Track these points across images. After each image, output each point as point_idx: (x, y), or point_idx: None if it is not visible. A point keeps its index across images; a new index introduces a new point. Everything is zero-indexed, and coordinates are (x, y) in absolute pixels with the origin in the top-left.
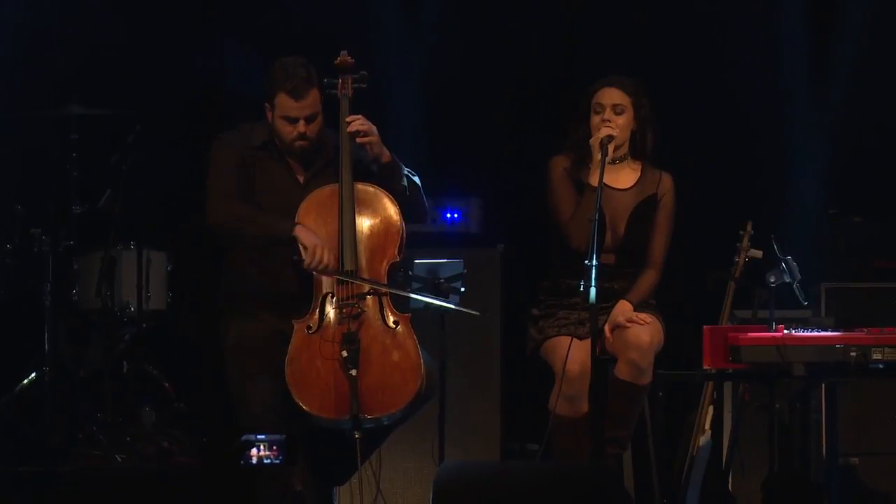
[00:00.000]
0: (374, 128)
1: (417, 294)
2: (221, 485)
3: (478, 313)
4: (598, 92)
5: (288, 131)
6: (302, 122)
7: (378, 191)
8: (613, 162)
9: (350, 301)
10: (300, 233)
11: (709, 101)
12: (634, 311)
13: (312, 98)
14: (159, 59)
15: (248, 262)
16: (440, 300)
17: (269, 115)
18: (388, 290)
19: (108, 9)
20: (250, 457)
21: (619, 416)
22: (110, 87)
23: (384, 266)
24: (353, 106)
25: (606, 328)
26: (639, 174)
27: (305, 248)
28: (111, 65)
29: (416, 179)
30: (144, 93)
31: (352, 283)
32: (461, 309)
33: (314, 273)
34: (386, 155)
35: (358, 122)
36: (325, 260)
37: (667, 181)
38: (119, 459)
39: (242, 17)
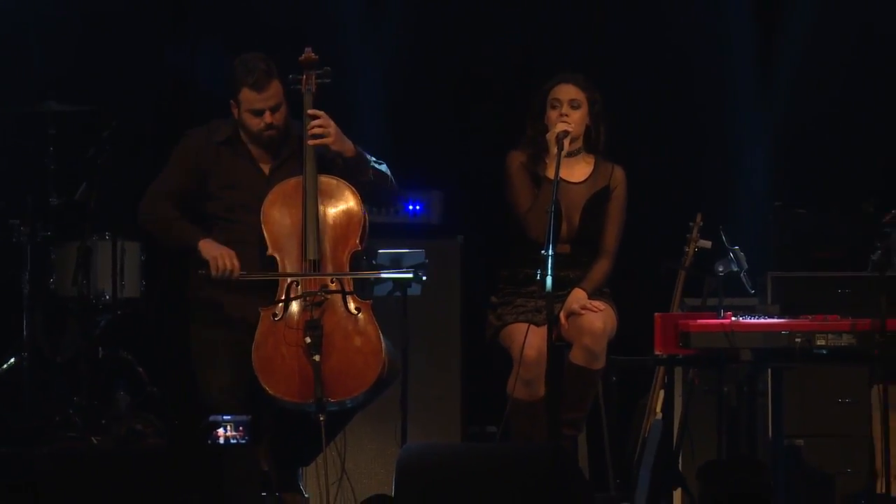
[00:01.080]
0: (331, 129)
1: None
2: (190, 464)
3: (410, 275)
4: (554, 88)
5: (255, 123)
6: (267, 113)
7: (340, 182)
8: (569, 156)
9: (313, 290)
10: (202, 247)
11: (660, 97)
12: (588, 298)
13: (274, 89)
14: (133, 57)
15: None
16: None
17: (235, 111)
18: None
19: (83, 9)
20: (217, 437)
21: (574, 399)
22: (86, 85)
23: (346, 254)
24: (317, 100)
25: (562, 315)
26: (592, 168)
27: (208, 259)
28: (87, 63)
29: (384, 167)
30: (119, 90)
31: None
32: (391, 275)
33: (227, 279)
34: (349, 149)
35: (316, 125)
36: (229, 266)
37: (619, 174)
38: (94, 441)
39: (213, 15)
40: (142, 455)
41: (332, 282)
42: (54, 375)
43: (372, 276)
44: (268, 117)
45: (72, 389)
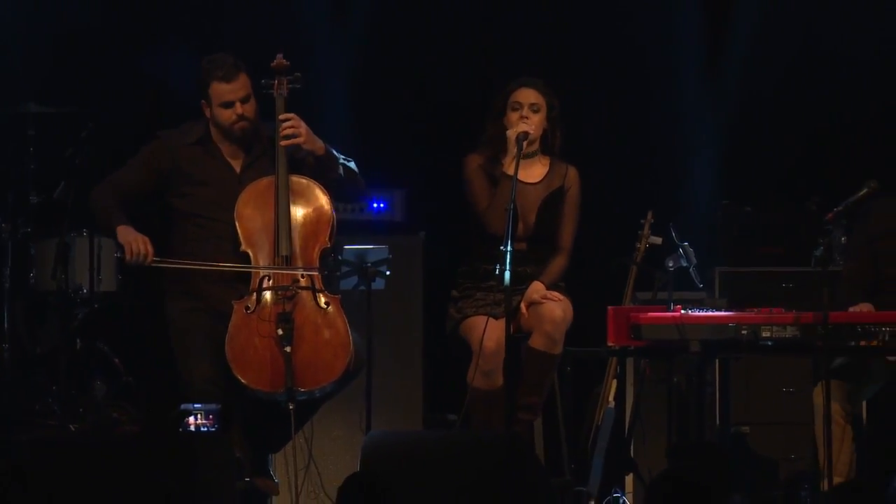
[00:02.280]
0: (302, 129)
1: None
2: (164, 451)
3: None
4: (515, 91)
5: (227, 116)
6: (238, 104)
7: (311, 182)
8: (525, 157)
9: (285, 284)
10: (119, 232)
11: (612, 100)
12: (547, 289)
13: (243, 81)
14: (110, 61)
15: (190, 250)
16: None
17: (207, 110)
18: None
19: (62, 15)
20: (188, 424)
21: (532, 384)
22: (65, 88)
23: (316, 251)
24: (289, 104)
25: (523, 305)
26: (547, 168)
27: (122, 246)
28: (66, 66)
29: (352, 164)
30: (96, 93)
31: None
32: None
33: (140, 264)
34: (319, 148)
35: (288, 126)
36: (143, 251)
37: (573, 174)
38: (72, 428)
39: (186, 22)
40: (118, 442)
41: (303, 277)
42: (34, 366)
43: (303, 272)
44: (238, 108)
45: (51, 379)
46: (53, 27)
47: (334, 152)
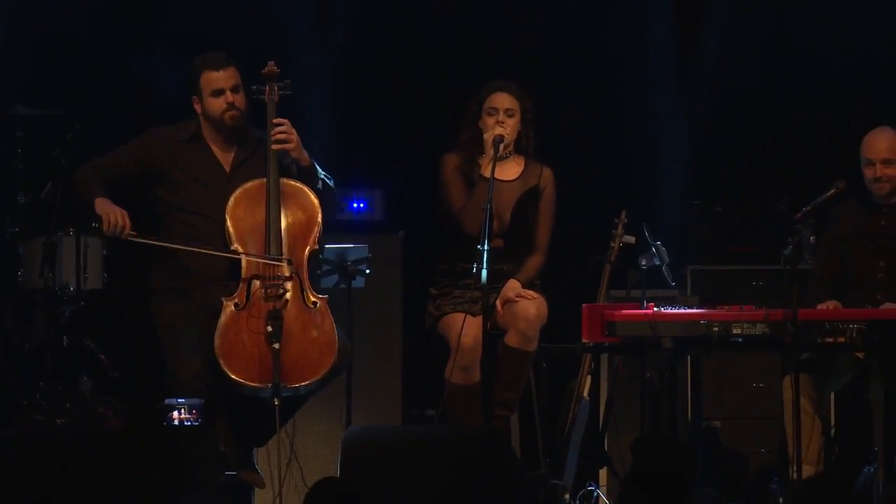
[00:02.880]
0: (294, 136)
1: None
2: (150, 445)
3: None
4: (490, 96)
5: (218, 105)
6: (229, 93)
7: (301, 185)
8: (501, 158)
9: (274, 282)
10: (97, 203)
11: (587, 103)
12: (522, 288)
13: (233, 72)
14: (97, 64)
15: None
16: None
17: (198, 105)
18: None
19: (51, 18)
20: (172, 419)
21: (508, 381)
22: (52, 90)
23: (306, 253)
24: (278, 110)
25: (498, 303)
26: (522, 168)
27: (101, 216)
28: (53, 69)
29: (331, 183)
30: (83, 95)
31: (274, 265)
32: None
33: (117, 236)
34: (305, 159)
35: (279, 131)
36: (121, 223)
37: (547, 174)
38: (59, 423)
39: (173, 26)
40: (104, 436)
41: (291, 277)
42: (22, 362)
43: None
44: (229, 96)
45: (38, 375)
46: (40, 30)
47: (317, 166)
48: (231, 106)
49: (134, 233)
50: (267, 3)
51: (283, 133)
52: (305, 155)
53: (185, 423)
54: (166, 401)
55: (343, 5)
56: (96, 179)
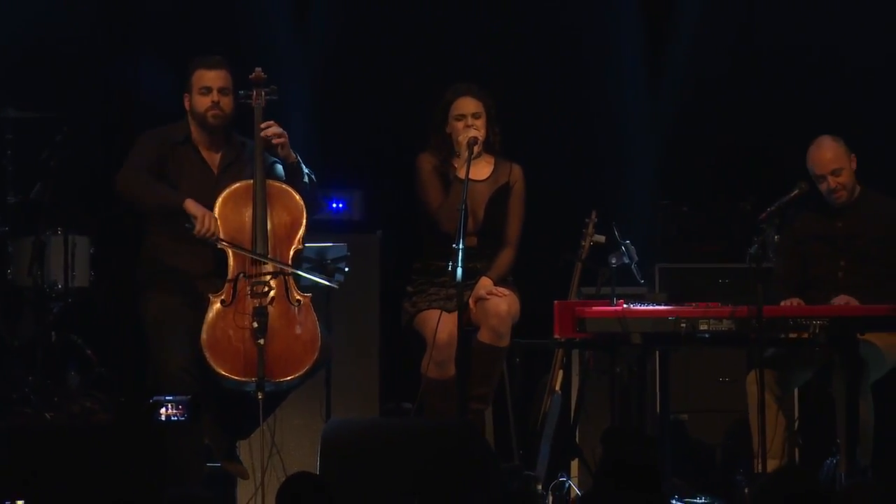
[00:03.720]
0: (285, 133)
1: (307, 273)
2: (136, 438)
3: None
4: (455, 102)
5: (204, 102)
6: (215, 92)
7: (287, 187)
8: (475, 157)
9: (260, 279)
10: (189, 205)
11: (557, 105)
12: (494, 285)
13: (225, 74)
14: (84, 70)
15: (167, 244)
16: (322, 279)
17: (187, 102)
18: (281, 266)
19: (39, 26)
20: (160, 415)
21: (482, 375)
22: (41, 95)
23: (291, 252)
24: (265, 114)
25: (471, 301)
26: (493, 167)
27: (195, 217)
28: (42, 74)
29: (313, 178)
30: (71, 99)
31: (262, 263)
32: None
33: (214, 245)
34: (292, 156)
35: (273, 128)
36: (213, 228)
37: (517, 171)
38: (48, 417)
39: (155, 34)
40: (91, 430)
41: (277, 275)
42: (11, 357)
43: (306, 275)
44: (216, 95)
45: (27, 370)
46: (29, 37)
47: (302, 165)
48: (215, 105)
49: (223, 239)
50: (248, 6)
51: (276, 129)
52: (292, 153)
53: (172, 419)
54: (154, 398)
55: (324, 8)
56: (154, 181)
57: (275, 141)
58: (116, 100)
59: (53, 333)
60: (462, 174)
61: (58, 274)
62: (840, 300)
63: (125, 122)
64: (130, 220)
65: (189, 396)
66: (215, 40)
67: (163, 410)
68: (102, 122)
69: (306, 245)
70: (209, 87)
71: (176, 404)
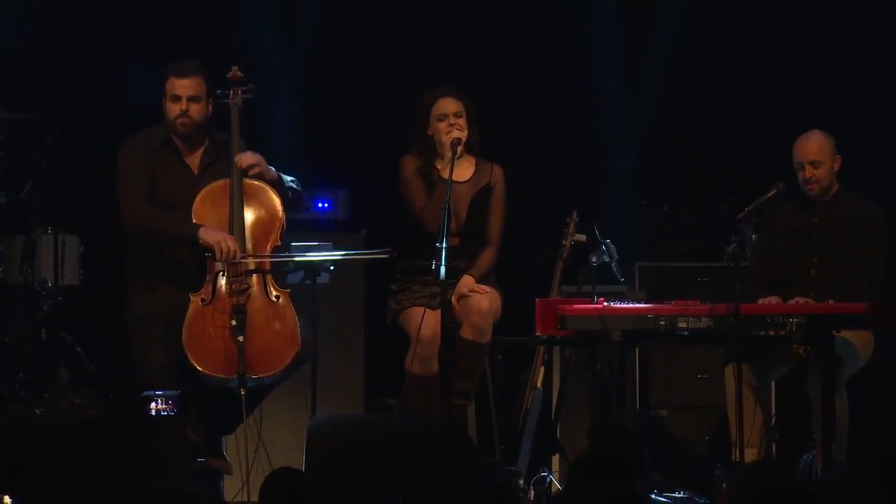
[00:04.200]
0: (260, 158)
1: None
2: (124, 433)
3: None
4: (436, 104)
5: (173, 110)
6: (185, 101)
7: (263, 185)
8: (459, 157)
9: (239, 277)
10: (204, 234)
11: (540, 109)
12: (476, 283)
13: (196, 82)
14: (74, 72)
15: (150, 245)
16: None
17: (165, 107)
18: (287, 260)
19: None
20: (150, 409)
21: (464, 371)
22: (31, 96)
23: (268, 249)
24: (242, 112)
25: (453, 298)
26: (474, 167)
27: (211, 245)
28: (33, 76)
29: (296, 186)
30: (61, 101)
31: (240, 262)
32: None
33: (229, 261)
34: (271, 175)
35: (247, 159)
36: (233, 249)
37: (497, 172)
38: (38, 412)
39: (144, 36)
40: (80, 425)
41: (255, 273)
42: (2, 354)
43: (324, 257)
44: (184, 104)
45: (18, 366)
46: (18, 39)
47: (283, 179)
48: (183, 113)
49: (243, 254)
50: (234, 8)
51: (250, 159)
52: (272, 172)
53: (162, 414)
54: (145, 393)
55: (309, 9)
56: (161, 213)
57: (251, 172)
58: (106, 101)
59: (43, 331)
60: (445, 174)
61: (48, 272)
62: (797, 300)
63: (114, 123)
64: (119, 219)
65: (179, 392)
66: (202, 41)
67: (153, 405)
68: (92, 123)
69: (292, 244)
70: (178, 96)
71: (166, 399)
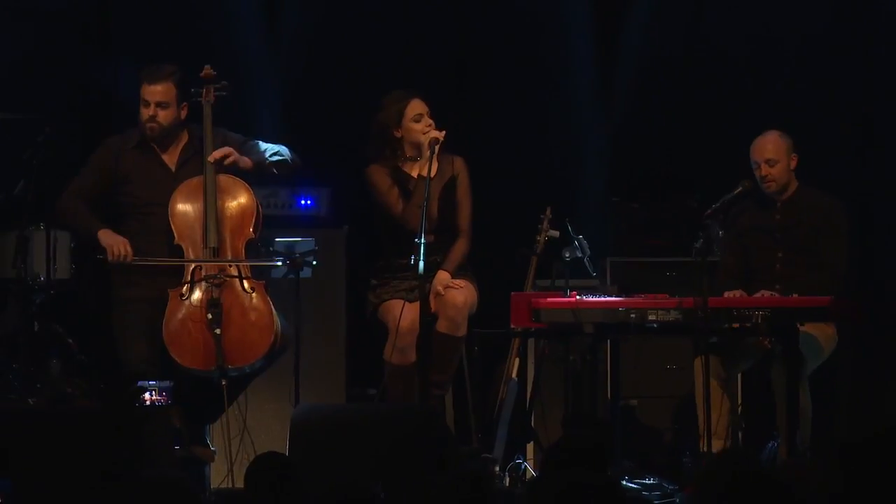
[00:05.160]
0: (231, 150)
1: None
2: (116, 423)
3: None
4: (409, 105)
5: (143, 114)
6: (153, 106)
7: (236, 180)
8: (419, 158)
9: (214, 272)
10: (101, 236)
11: (517, 110)
12: (451, 276)
13: (165, 88)
14: (65, 74)
15: (133, 242)
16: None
17: (139, 109)
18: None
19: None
20: (143, 400)
21: (441, 363)
22: (24, 97)
23: (242, 242)
24: (215, 109)
25: (430, 297)
26: (438, 163)
27: (105, 247)
28: (26, 78)
29: (283, 151)
30: (52, 102)
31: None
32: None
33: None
34: (247, 163)
35: (217, 153)
36: (124, 252)
37: (459, 163)
38: (31, 402)
39: (133, 39)
40: (71, 414)
41: (231, 266)
42: None
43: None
44: (152, 109)
45: (11, 357)
46: (9, 43)
47: (263, 156)
48: (151, 119)
49: (136, 258)
50: (220, 8)
51: (221, 153)
52: (245, 160)
53: (156, 404)
54: (139, 383)
55: (293, 10)
56: (83, 207)
57: (225, 163)
58: (96, 102)
59: (36, 323)
60: (415, 173)
61: (40, 267)
62: (762, 293)
63: (103, 124)
64: (107, 217)
65: (171, 382)
66: (188, 44)
67: (146, 396)
68: (82, 124)
69: (276, 240)
70: (147, 101)
71: (159, 390)
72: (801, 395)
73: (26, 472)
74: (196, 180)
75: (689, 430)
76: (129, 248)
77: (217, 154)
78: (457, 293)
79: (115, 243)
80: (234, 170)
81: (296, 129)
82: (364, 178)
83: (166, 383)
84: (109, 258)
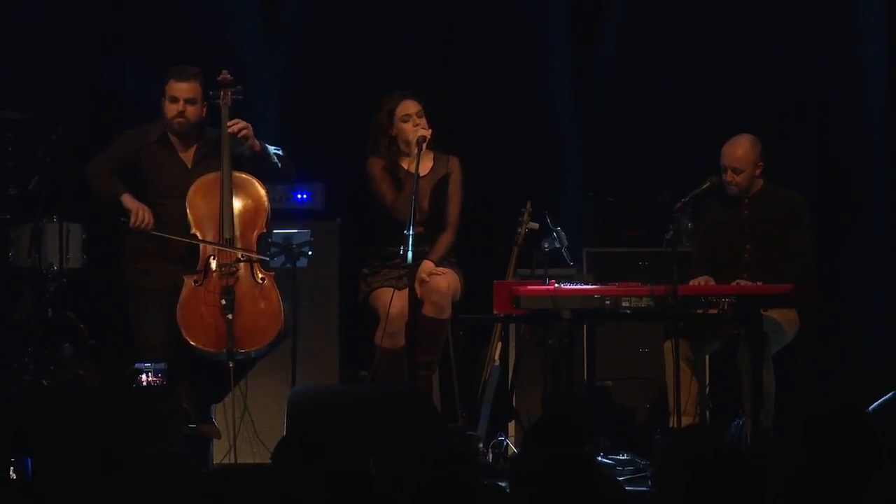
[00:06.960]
0: (249, 126)
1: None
2: (121, 403)
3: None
4: (399, 105)
5: (171, 110)
6: (182, 102)
7: (251, 177)
8: (409, 154)
9: (228, 261)
10: (125, 199)
11: (501, 109)
12: (436, 265)
13: (193, 86)
14: (76, 74)
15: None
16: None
17: (163, 105)
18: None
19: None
20: (140, 381)
21: (428, 344)
22: (38, 97)
23: (254, 235)
24: (232, 111)
25: (416, 283)
26: (433, 162)
27: (130, 210)
28: (39, 79)
29: (281, 152)
30: (65, 101)
31: (227, 248)
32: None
33: (142, 230)
34: (257, 145)
35: (237, 125)
36: (147, 220)
37: (454, 162)
38: (45, 383)
39: (142, 40)
40: (83, 395)
41: (244, 257)
42: (12, 331)
43: (247, 253)
44: (181, 105)
45: (26, 342)
46: (25, 44)
47: (268, 147)
48: (180, 114)
49: (156, 229)
50: (218, 9)
51: (240, 123)
52: (257, 142)
53: (152, 385)
54: (136, 365)
55: (290, 10)
56: (111, 174)
57: (240, 134)
58: (105, 101)
59: (49, 310)
60: (412, 169)
61: (54, 257)
62: (737, 282)
63: (113, 122)
64: (119, 210)
65: (165, 364)
66: (191, 44)
67: (143, 377)
68: (92, 122)
69: (274, 231)
70: (176, 98)
71: (155, 372)
72: (764, 376)
73: (39, 450)
74: (213, 175)
75: (661, 409)
76: (151, 216)
77: (237, 126)
78: (440, 279)
79: (138, 208)
80: (241, 154)
81: (292, 128)
82: (363, 169)
83: (161, 365)
84: (132, 222)
